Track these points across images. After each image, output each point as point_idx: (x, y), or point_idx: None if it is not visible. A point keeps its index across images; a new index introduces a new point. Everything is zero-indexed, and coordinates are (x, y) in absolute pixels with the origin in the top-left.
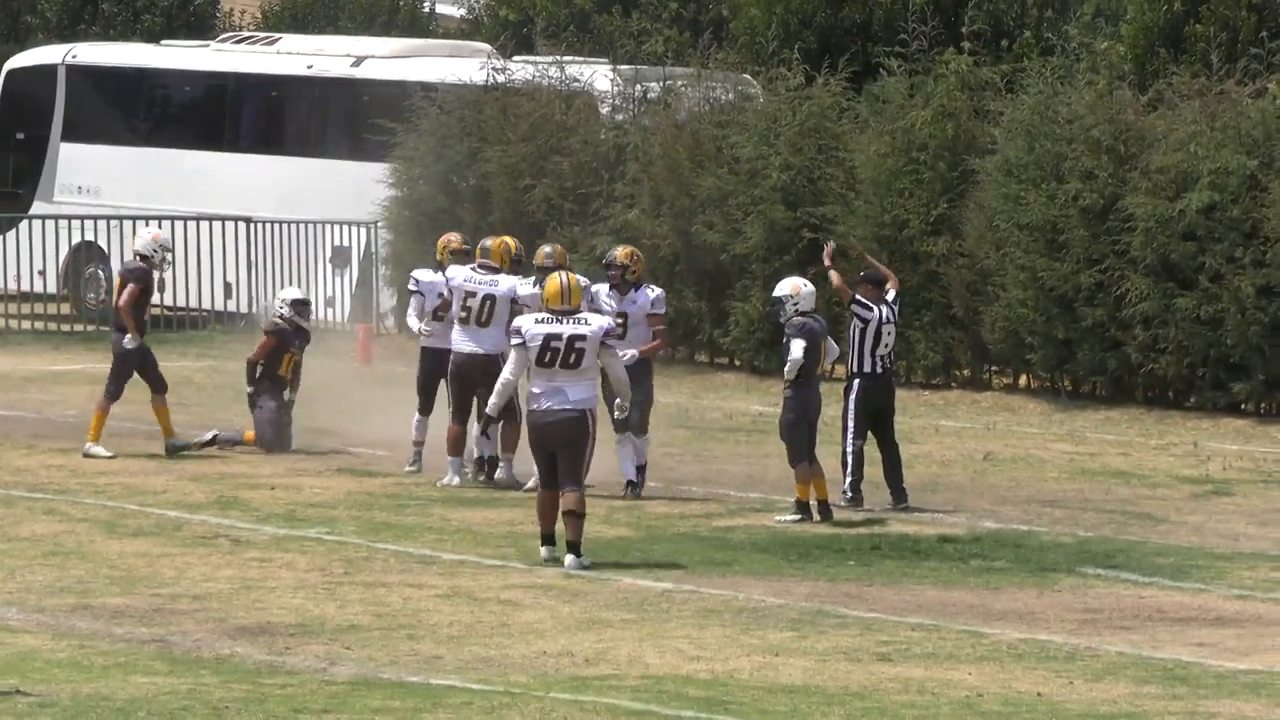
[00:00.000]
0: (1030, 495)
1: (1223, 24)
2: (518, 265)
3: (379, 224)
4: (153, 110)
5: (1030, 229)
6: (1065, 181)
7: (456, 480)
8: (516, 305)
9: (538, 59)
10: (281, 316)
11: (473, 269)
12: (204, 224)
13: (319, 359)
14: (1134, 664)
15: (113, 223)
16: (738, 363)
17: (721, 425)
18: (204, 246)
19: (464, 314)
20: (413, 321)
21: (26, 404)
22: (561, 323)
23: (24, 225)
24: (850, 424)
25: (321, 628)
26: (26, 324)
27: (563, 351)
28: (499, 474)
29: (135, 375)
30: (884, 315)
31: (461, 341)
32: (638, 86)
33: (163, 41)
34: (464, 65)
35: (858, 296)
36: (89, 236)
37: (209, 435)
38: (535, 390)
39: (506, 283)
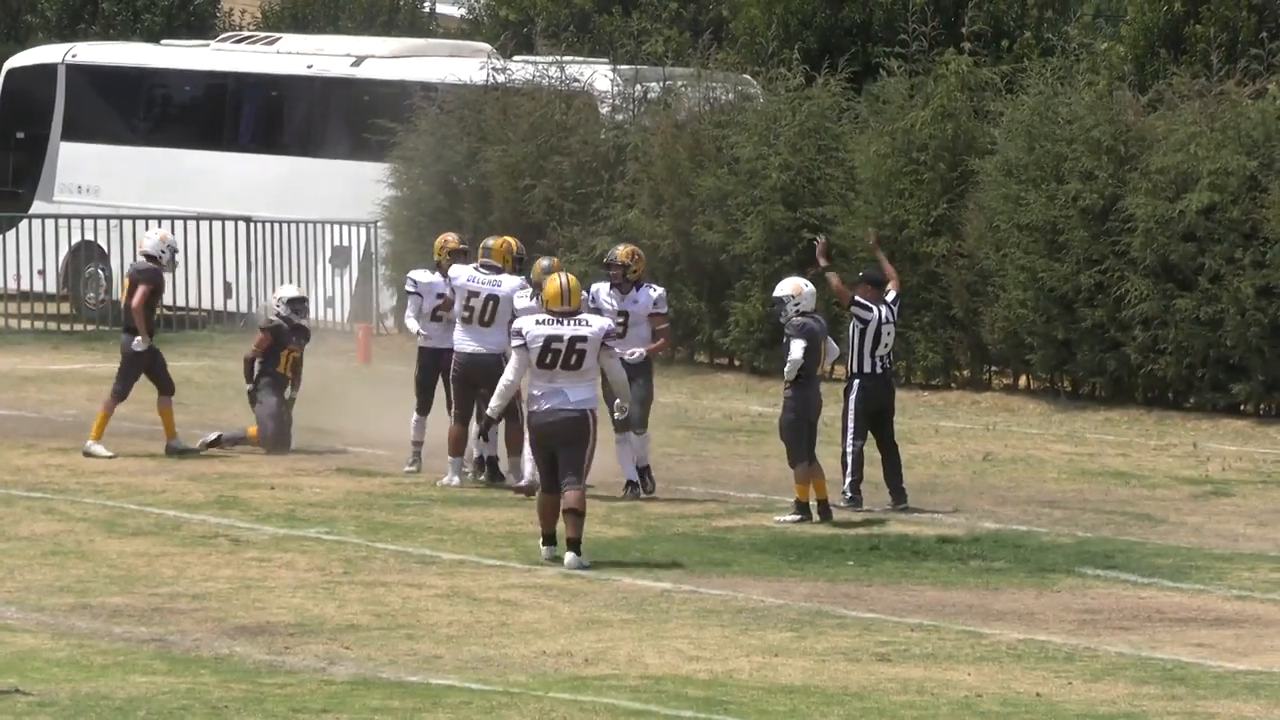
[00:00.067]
0: (1030, 496)
1: (1223, 25)
2: (520, 265)
3: (379, 224)
4: (153, 110)
5: (1030, 229)
6: (1065, 182)
7: (456, 480)
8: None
9: (538, 59)
10: (278, 314)
11: (475, 269)
12: (204, 223)
13: (319, 359)
14: (1133, 664)
15: (112, 222)
16: (737, 363)
17: (721, 425)
18: (204, 246)
19: (466, 314)
20: (411, 323)
21: (26, 403)
22: (562, 324)
23: (24, 225)
24: (850, 424)
25: (321, 627)
26: (26, 323)
27: (563, 353)
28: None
29: (150, 374)
30: (883, 315)
31: (464, 341)
32: (638, 87)
33: (163, 41)
34: (464, 65)
35: (857, 298)
36: (89, 236)
37: (212, 436)
38: (536, 392)
39: (509, 283)
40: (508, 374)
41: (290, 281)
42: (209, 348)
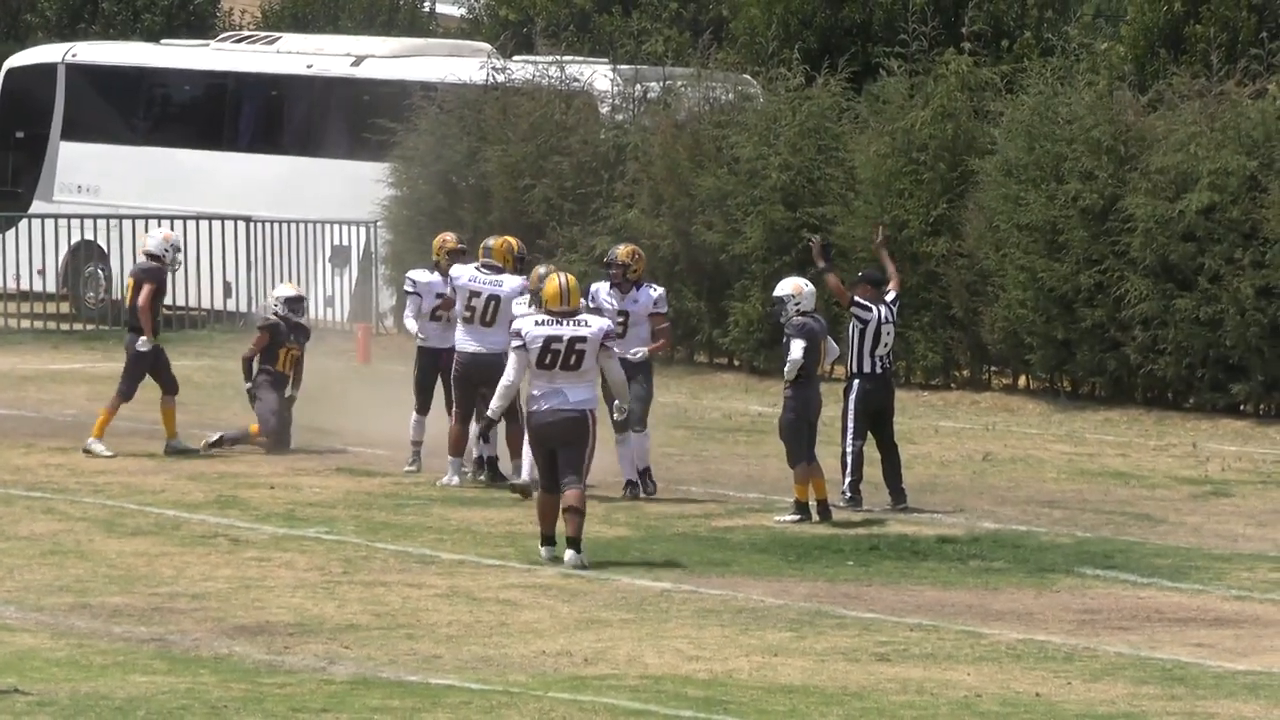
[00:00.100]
0: (1029, 496)
1: (1223, 25)
2: (521, 264)
3: (378, 223)
4: (152, 109)
5: (1030, 229)
6: (1065, 182)
7: (456, 480)
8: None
9: (538, 59)
10: (275, 313)
11: (477, 269)
12: (203, 223)
13: (318, 358)
14: (1132, 664)
15: (112, 222)
16: (737, 363)
17: (721, 425)
18: (203, 246)
19: (468, 314)
20: (409, 324)
21: (25, 403)
22: (561, 324)
23: (23, 224)
24: (850, 424)
25: (320, 627)
26: (26, 323)
27: (563, 353)
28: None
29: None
30: (883, 315)
31: (465, 341)
32: (637, 86)
33: (162, 41)
34: (464, 65)
35: (856, 298)
36: (88, 236)
37: (215, 437)
38: (535, 391)
39: (511, 283)
40: (508, 374)
41: (289, 281)
42: (209, 347)
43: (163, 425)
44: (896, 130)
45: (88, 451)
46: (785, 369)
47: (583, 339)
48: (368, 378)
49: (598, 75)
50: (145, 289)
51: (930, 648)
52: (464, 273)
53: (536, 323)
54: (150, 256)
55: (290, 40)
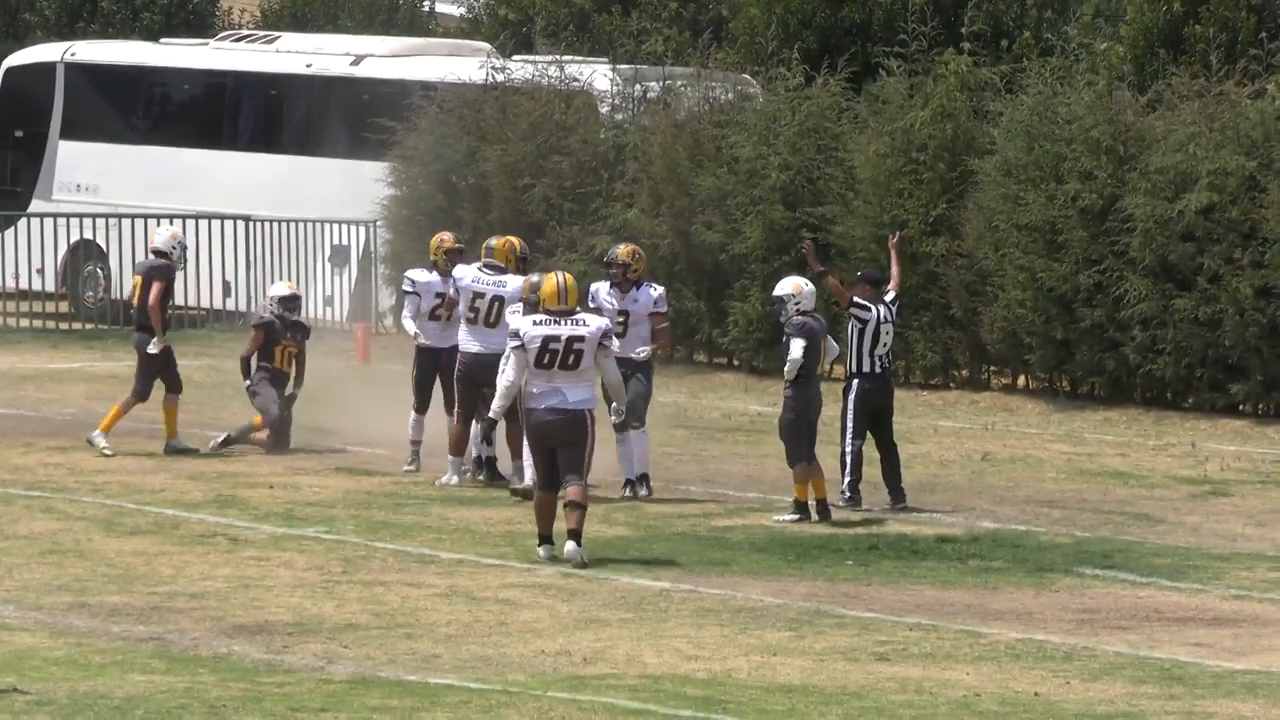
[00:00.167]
0: (1028, 495)
1: (1222, 25)
2: (523, 264)
3: (378, 223)
4: (152, 108)
5: (1029, 229)
6: (1064, 182)
7: (455, 479)
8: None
9: (537, 58)
10: (271, 312)
11: (479, 269)
12: (203, 222)
13: (318, 358)
14: (1131, 664)
15: (111, 221)
16: (736, 362)
17: (720, 425)
18: (203, 245)
19: (471, 314)
20: (408, 324)
21: (24, 402)
22: (559, 324)
23: (22, 223)
24: (849, 424)
25: (319, 626)
26: (25, 322)
27: (561, 353)
28: (521, 485)
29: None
30: (882, 315)
31: (469, 342)
32: (637, 86)
33: (162, 40)
34: (463, 64)
35: (855, 298)
36: (87, 235)
37: (221, 437)
38: (534, 390)
39: (514, 283)
40: (508, 374)
41: (285, 279)
42: (208, 346)
43: (163, 424)
44: (896, 130)
45: (90, 442)
46: (785, 369)
47: (580, 338)
48: (367, 377)
49: (597, 75)
50: (155, 287)
51: (929, 647)
52: (467, 273)
53: (535, 322)
54: (158, 254)
55: (289, 39)
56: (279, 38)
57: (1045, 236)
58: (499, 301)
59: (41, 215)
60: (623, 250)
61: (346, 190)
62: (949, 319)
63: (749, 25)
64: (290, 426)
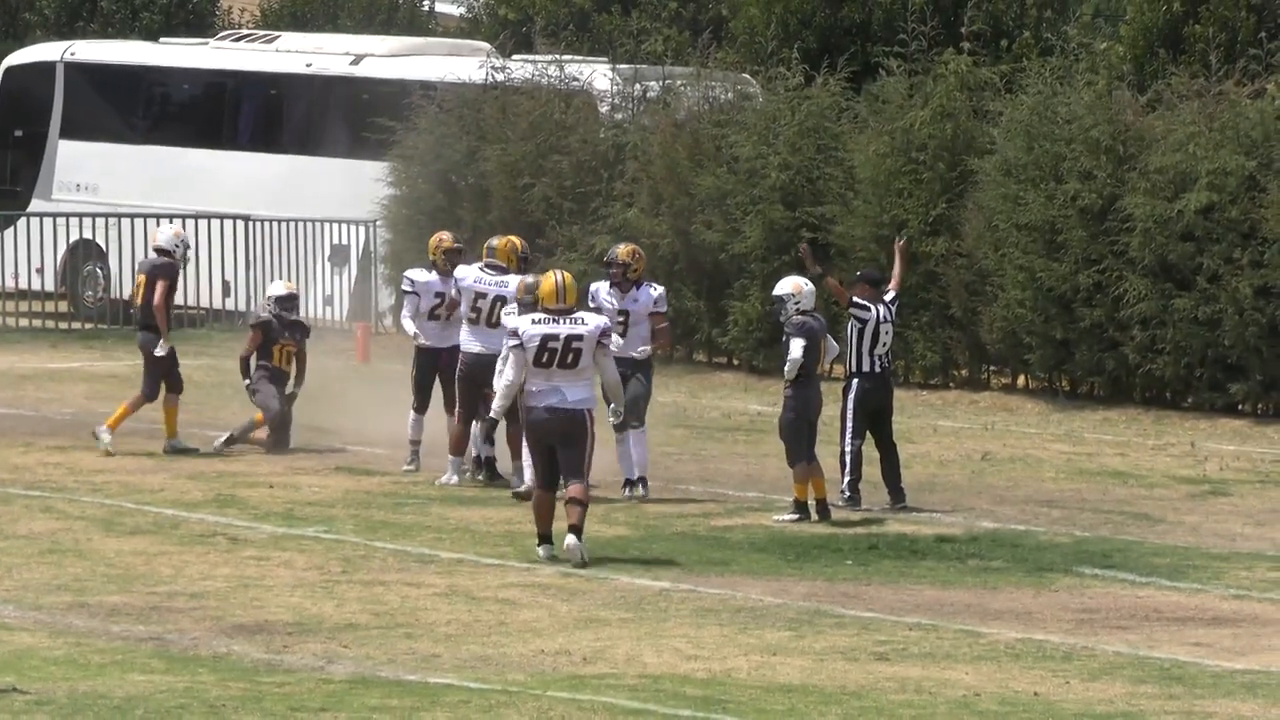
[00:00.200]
0: (1028, 495)
1: (1222, 25)
2: (525, 264)
3: (377, 222)
4: (151, 108)
5: (1029, 229)
6: (1064, 182)
7: (455, 479)
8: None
9: (537, 58)
10: (268, 311)
11: (481, 269)
12: (202, 222)
13: (318, 358)
14: (1131, 664)
15: (111, 220)
16: (736, 362)
17: (720, 425)
18: (202, 244)
19: (474, 315)
20: (407, 324)
21: (24, 401)
22: (558, 323)
23: (22, 223)
24: (849, 424)
25: (319, 626)
26: (24, 322)
27: (560, 352)
28: (522, 488)
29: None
30: (881, 315)
31: (470, 342)
32: (637, 86)
33: (161, 39)
34: (463, 64)
35: (855, 297)
36: (87, 234)
37: (224, 437)
38: (533, 388)
39: (515, 282)
40: (508, 374)
41: (282, 279)
42: (207, 346)
43: (163, 424)
44: (896, 130)
45: (94, 435)
46: (785, 368)
47: (579, 337)
48: (367, 377)
49: (597, 74)
50: (160, 287)
51: (929, 647)
52: (469, 273)
53: (533, 321)
54: (161, 252)
55: (289, 39)
56: (279, 37)
57: (1045, 236)
58: (501, 302)
59: (41, 215)
60: (623, 250)
61: (346, 190)
62: (949, 319)
63: (749, 25)
64: (290, 426)
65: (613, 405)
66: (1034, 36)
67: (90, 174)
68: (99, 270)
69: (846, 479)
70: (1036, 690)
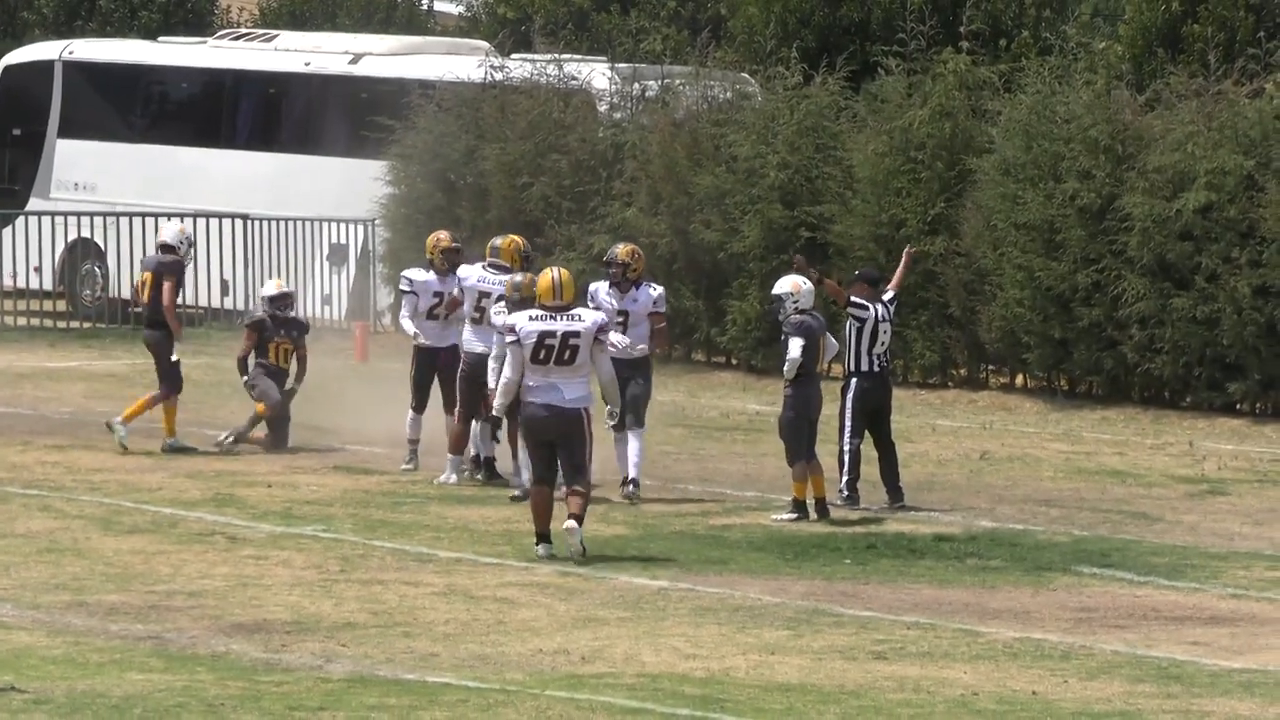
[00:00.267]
0: (1026, 494)
1: (1220, 24)
2: (528, 263)
3: (376, 221)
4: (150, 107)
5: (1027, 228)
6: (1063, 181)
7: (454, 478)
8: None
9: (536, 57)
10: (263, 310)
11: (484, 269)
12: (201, 221)
13: (317, 357)
14: (1129, 663)
15: (109, 219)
16: (735, 361)
17: (718, 424)
18: (201, 243)
19: (477, 314)
20: (406, 324)
21: (22, 400)
22: (555, 319)
23: (20, 221)
24: (847, 423)
25: (318, 625)
26: (22, 320)
27: (557, 348)
28: (519, 493)
29: (154, 370)
30: (880, 314)
31: (473, 342)
32: (636, 85)
33: (160, 38)
34: (462, 63)
35: (853, 297)
36: (85, 233)
37: (231, 436)
38: (529, 384)
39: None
40: (506, 371)
41: (275, 278)
42: (205, 345)
43: (162, 423)
44: (894, 129)
45: (109, 427)
46: (784, 368)
47: (576, 334)
48: (365, 376)
49: (596, 73)
50: (168, 286)
51: (927, 646)
52: (472, 273)
53: (530, 318)
54: (166, 248)
55: (288, 38)
56: (277, 36)
57: (1043, 235)
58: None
59: (39, 214)
60: (622, 250)
61: (345, 189)
62: (947, 318)
63: (747, 24)
64: (288, 425)
65: (609, 408)
66: (1033, 36)
67: (89, 173)
68: (97, 269)
69: (845, 478)
70: (1034, 689)
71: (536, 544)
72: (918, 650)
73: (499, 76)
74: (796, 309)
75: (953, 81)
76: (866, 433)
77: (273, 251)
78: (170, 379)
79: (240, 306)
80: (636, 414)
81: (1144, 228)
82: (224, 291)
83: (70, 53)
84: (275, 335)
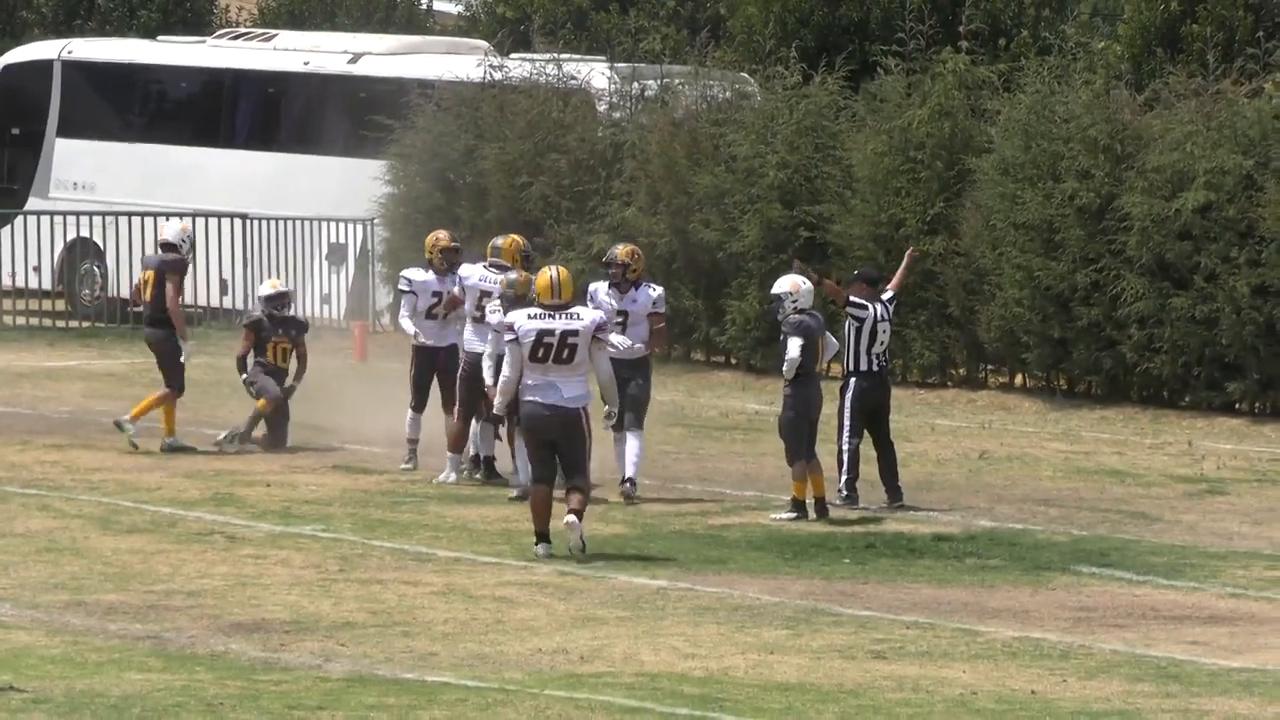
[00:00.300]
0: (1025, 494)
1: (1219, 24)
2: (527, 262)
3: (375, 221)
4: (148, 106)
5: (1026, 228)
6: (1062, 181)
7: (453, 477)
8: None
9: (535, 56)
10: (260, 310)
11: (485, 268)
12: (200, 220)
13: (316, 357)
14: (1128, 662)
15: (108, 219)
16: (734, 361)
17: (718, 423)
18: (200, 243)
19: (478, 314)
20: (406, 324)
21: (21, 400)
22: (554, 318)
23: (19, 221)
24: (846, 422)
25: (316, 624)
26: (21, 320)
27: (555, 347)
28: (517, 493)
29: (155, 369)
30: (879, 313)
31: (473, 341)
32: (635, 84)
33: (159, 37)
34: (461, 62)
35: (852, 296)
36: (84, 232)
37: (237, 435)
38: (529, 382)
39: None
40: (505, 370)
41: (272, 278)
42: (204, 344)
43: (161, 422)
44: (894, 129)
45: (118, 425)
46: (784, 368)
47: (574, 332)
48: (364, 375)
49: (595, 73)
50: (171, 285)
51: (926, 645)
52: (473, 273)
53: (529, 316)
54: (168, 247)
55: (287, 37)
56: (276, 35)
57: (1042, 235)
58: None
59: (38, 213)
60: (622, 250)
61: (344, 188)
62: (946, 318)
63: (747, 23)
64: (287, 424)
65: (607, 409)
66: (1032, 35)
67: (87, 172)
68: (96, 268)
69: (844, 478)
70: (1034, 688)
71: (535, 543)
72: (917, 649)
73: (498, 76)
74: (795, 309)
75: (952, 81)
76: (865, 432)
77: (272, 251)
78: (175, 379)
79: (239, 306)
80: (636, 414)
81: (1143, 227)
82: (223, 291)
83: (69, 52)
84: (273, 334)
